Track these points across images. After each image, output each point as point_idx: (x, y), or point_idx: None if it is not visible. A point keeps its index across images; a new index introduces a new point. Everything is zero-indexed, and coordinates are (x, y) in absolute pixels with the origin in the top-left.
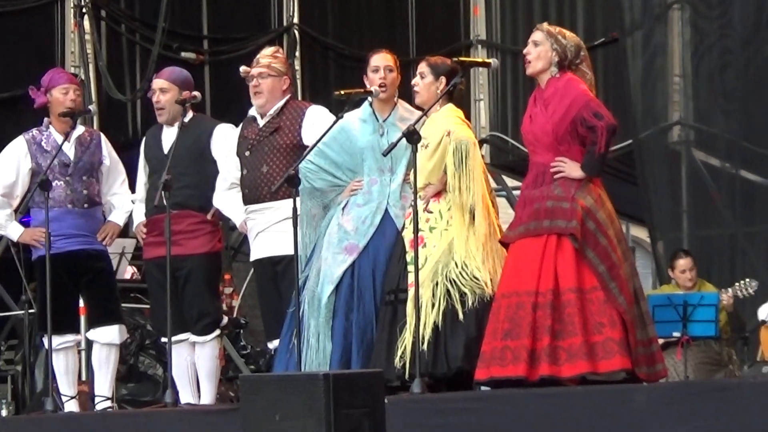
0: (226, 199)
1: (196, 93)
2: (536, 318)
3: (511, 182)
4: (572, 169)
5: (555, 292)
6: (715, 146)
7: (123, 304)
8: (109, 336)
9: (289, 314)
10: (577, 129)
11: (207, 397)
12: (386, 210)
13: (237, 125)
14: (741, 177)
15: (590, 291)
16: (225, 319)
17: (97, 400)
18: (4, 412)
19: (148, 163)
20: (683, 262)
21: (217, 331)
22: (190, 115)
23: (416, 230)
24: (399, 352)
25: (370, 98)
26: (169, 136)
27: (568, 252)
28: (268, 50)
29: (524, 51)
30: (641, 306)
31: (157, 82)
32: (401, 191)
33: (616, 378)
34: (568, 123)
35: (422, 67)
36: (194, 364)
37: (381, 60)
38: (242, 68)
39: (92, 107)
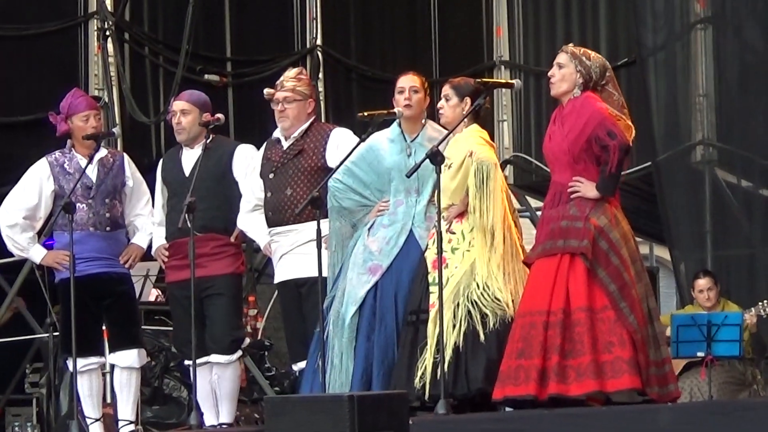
0: (250, 220)
1: (220, 115)
2: (547, 337)
3: (534, 203)
4: (588, 189)
5: (566, 312)
6: (738, 165)
7: (147, 327)
8: (128, 360)
9: (315, 335)
10: (592, 148)
11: (226, 417)
12: (411, 231)
13: (260, 147)
14: (763, 196)
15: (601, 310)
16: (246, 341)
17: (120, 424)
18: None
19: (167, 186)
20: (702, 282)
21: (239, 352)
22: (209, 137)
23: (440, 250)
24: (419, 373)
25: (397, 119)
26: (189, 159)
27: (580, 271)
28: (291, 72)
29: (549, 73)
30: (655, 326)
31: (178, 104)
32: (426, 212)
33: (634, 399)
34: (584, 142)
35: (446, 89)
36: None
37: (406, 81)
38: (266, 90)
39: (116, 130)
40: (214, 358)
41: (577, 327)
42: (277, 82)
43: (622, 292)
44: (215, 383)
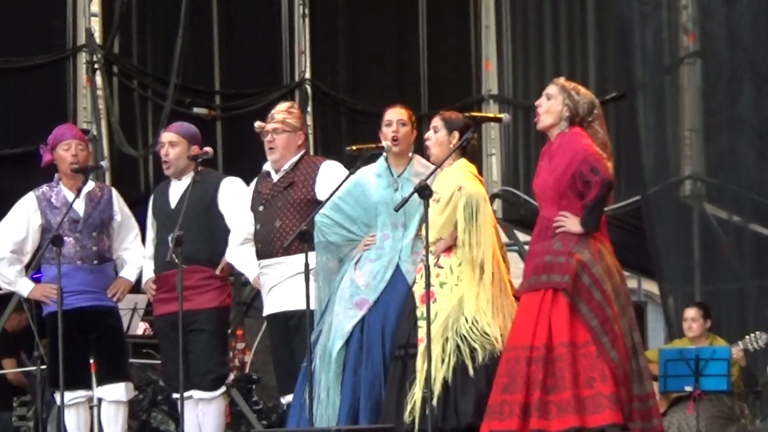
0: (240, 253)
1: (208, 149)
2: (530, 372)
3: (522, 237)
4: (572, 223)
5: (548, 347)
6: (726, 200)
7: (135, 360)
8: (116, 393)
9: (302, 369)
10: (576, 184)
11: None
12: (398, 265)
13: (249, 180)
14: (752, 230)
15: (583, 345)
16: (231, 376)
17: None
18: None
19: (155, 219)
20: (689, 312)
21: (224, 388)
22: (198, 170)
23: (428, 285)
24: (408, 407)
25: (384, 153)
26: (175, 192)
27: (563, 306)
28: (282, 105)
29: (536, 103)
30: (639, 361)
31: (167, 136)
32: (413, 247)
33: None
34: (569, 177)
35: (436, 121)
36: None
37: (394, 114)
38: (257, 123)
39: (104, 163)
40: (197, 394)
41: (559, 362)
42: (269, 115)
43: (603, 327)
44: (201, 419)
